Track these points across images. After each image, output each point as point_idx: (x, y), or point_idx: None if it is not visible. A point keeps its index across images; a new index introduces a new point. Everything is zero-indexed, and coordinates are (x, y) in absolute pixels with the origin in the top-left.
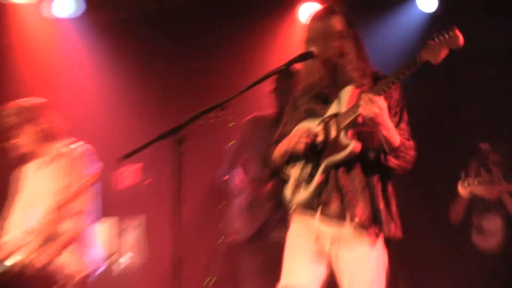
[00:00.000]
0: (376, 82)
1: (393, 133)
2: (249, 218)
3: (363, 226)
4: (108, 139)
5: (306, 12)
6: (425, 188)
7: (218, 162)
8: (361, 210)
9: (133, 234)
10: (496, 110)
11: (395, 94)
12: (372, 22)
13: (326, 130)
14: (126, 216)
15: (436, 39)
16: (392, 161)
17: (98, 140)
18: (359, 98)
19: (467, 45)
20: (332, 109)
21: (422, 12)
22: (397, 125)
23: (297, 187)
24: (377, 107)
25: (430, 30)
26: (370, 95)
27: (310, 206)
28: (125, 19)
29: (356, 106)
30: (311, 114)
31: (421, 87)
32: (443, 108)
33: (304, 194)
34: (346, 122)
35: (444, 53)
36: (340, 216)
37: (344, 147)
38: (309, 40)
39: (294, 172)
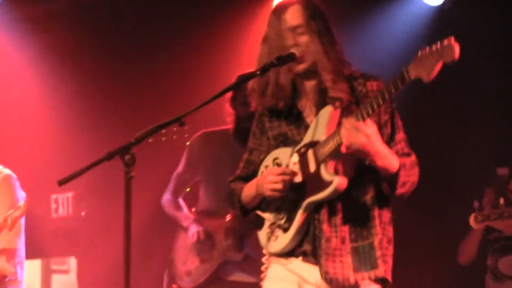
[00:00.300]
0: (350, 84)
1: (389, 160)
2: (202, 259)
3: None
4: (35, 162)
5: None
6: (431, 222)
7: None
8: (339, 268)
9: (64, 277)
10: None
11: None
12: (369, 16)
13: (303, 163)
14: (55, 256)
15: (426, 51)
16: (398, 191)
17: (21, 163)
18: (340, 121)
19: (480, 46)
20: (308, 135)
21: (426, 5)
22: (390, 138)
23: (273, 233)
24: (363, 135)
25: (436, 26)
26: (353, 121)
27: (290, 253)
28: (61, 11)
29: (336, 133)
30: (283, 141)
31: (422, 95)
32: (452, 122)
33: (282, 242)
34: (327, 154)
35: (437, 68)
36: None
37: (326, 183)
38: (264, 39)
39: (269, 214)
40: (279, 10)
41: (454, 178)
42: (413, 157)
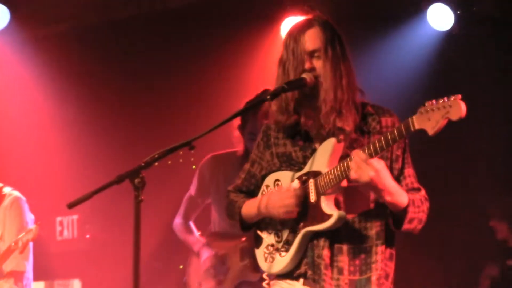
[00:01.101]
0: (364, 117)
1: (398, 195)
2: (218, 280)
3: None
4: (40, 184)
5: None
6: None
7: (174, 211)
8: None
9: None
10: None
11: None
12: (378, 40)
13: (304, 190)
14: (59, 278)
15: (432, 104)
16: (405, 227)
17: (26, 185)
18: (343, 154)
19: (487, 72)
20: (311, 163)
21: (435, 30)
22: (400, 173)
23: (270, 254)
24: (372, 169)
25: (444, 51)
26: (362, 155)
27: (289, 275)
28: (66, 32)
29: (339, 167)
30: (286, 161)
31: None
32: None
33: (278, 264)
34: (328, 187)
35: (442, 124)
36: None
37: (326, 216)
38: (280, 61)
39: (267, 235)
40: (297, 31)
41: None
42: (422, 192)
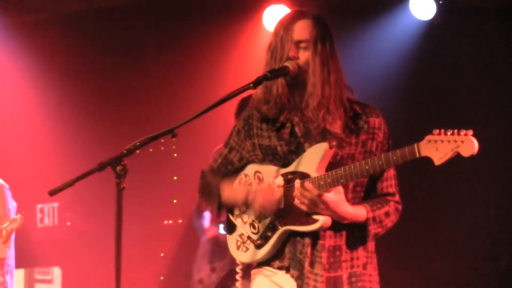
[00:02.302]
0: (351, 116)
1: (354, 216)
2: (212, 267)
3: None
4: (21, 171)
5: (272, 17)
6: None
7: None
8: None
9: (47, 287)
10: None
11: (379, 135)
12: (360, 29)
13: (288, 190)
14: (39, 266)
15: (441, 135)
16: (370, 239)
17: (7, 172)
18: (330, 162)
19: (468, 61)
20: (299, 163)
21: (417, 19)
22: (380, 175)
23: (243, 243)
24: (320, 203)
25: (426, 40)
26: (313, 192)
27: (268, 264)
28: (50, 20)
29: (331, 176)
30: (270, 155)
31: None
32: None
33: (252, 256)
34: None
35: (449, 156)
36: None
37: (310, 219)
38: (268, 48)
39: (242, 224)
40: (289, 20)
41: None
42: (395, 198)
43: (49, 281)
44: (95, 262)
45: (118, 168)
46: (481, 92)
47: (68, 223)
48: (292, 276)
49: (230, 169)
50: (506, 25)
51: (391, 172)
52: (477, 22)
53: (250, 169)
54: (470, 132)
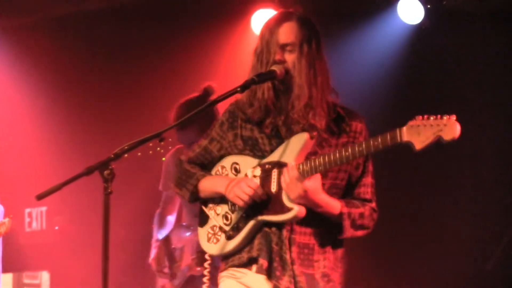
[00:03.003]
0: (335, 119)
1: (328, 208)
2: (172, 273)
3: None
4: (9, 175)
5: (260, 21)
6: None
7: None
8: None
9: None
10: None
11: (359, 140)
12: (348, 33)
13: (265, 179)
14: (27, 270)
15: (423, 120)
16: (345, 236)
17: None
18: (312, 151)
19: (456, 64)
20: (277, 153)
21: (405, 23)
22: (358, 181)
23: (214, 234)
24: (301, 189)
25: (414, 44)
26: (294, 174)
27: (241, 263)
28: (34, 24)
29: (302, 164)
30: (251, 146)
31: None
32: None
33: (222, 247)
34: None
35: (431, 140)
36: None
37: (285, 208)
38: (255, 51)
39: (215, 215)
40: (274, 23)
41: None
42: (371, 204)
43: (38, 285)
44: (83, 266)
45: (106, 172)
46: (469, 96)
47: (56, 227)
48: (261, 267)
49: (209, 158)
50: (494, 29)
51: (369, 180)
52: (465, 27)
53: (228, 160)
54: (453, 116)
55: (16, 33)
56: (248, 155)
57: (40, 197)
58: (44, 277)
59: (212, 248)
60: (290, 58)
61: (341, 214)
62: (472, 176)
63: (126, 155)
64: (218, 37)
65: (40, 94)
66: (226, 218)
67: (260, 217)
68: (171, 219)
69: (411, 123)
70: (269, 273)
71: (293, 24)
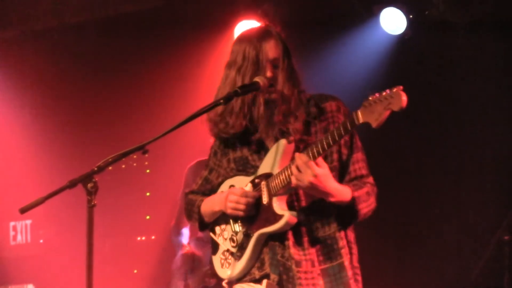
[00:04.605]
0: (307, 107)
1: (340, 196)
2: (186, 284)
3: None
4: None
5: None
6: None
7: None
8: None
9: None
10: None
11: (340, 118)
12: (332, 43)
13: (257, 193)
14: (13, 283)
15: (375, 97)
16: (360, 219)
17: None
18: (292, 157)
19: (438, 74)
20: (263, 166)
21: (388, 34)
22: (348, 158)
23: (226, 259)
24: (311, 174)
25: (397, 54)
26: (304, 159)
27: (252, 278)
28: (18, 36)
29: (288, 168)
30: (243, 165)
31: None
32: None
33: (235, 269)
34: (279, 188)
35: (384, 116)
36: None
37: (278, 217)
38: (233, 65)
39: (224, 241)
40: (257, 39)
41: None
42: (369, 180)
43: None
44: (68, 279)
45: (89, 185)
46: (451, 104)
47: (41, 240)
48: (273, 281)
49: (209, 187)
50: (476, 39)
51: (359, 155)
52: (447, 37)
53: (225, 184)
54: (400, 87)
55: (0, 46)
56: (242, 174)
57: (23, 210)
58: None
59: (225, 272)
60: (275, 72)
61: (353, 199)
62: (474, 177)
63: (110, 167)
64: (201, 48)
65: (24, 107)
66: (233, 241)
67: (258, 232)
68: (185, 231)
69: (364, 103)
70: (282, 286)
71: (275, 39)
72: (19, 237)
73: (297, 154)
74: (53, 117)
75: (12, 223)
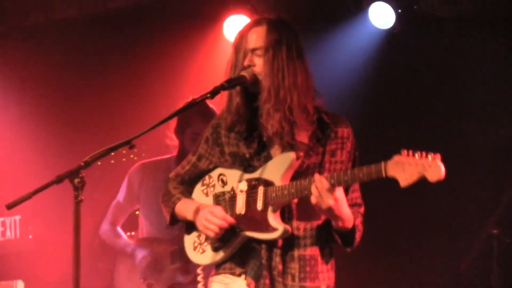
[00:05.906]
0: (319, 126)
1: (348, 222)
2: (149, 284)
3: None
4: None
5: (232, 27)
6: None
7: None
8: None
9: None
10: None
11: (347, 145)
12: (320, 37)
13: (251, 196)
14: (2, 279)
15: (409, 157)
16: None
17: None
18: (298, 170)
19: (426, 69)
20: (264, 170)
21: (376, 28)
22: (348, 187)
23: (201, 244)
24: (332, 198)
25: (385, 48)
26: (325, 183)
27: (231, 272)
28: (5, 32)
29: (297, 187)
30: (240, 162)
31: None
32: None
33: (209, 258)
34: (279, 202)
35: (415, 178)
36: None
37: (271, 228)
38: (229, 61)
39: None
40: (244, 30)
41: None
42: (362, 210)
43: None
44: (58, 275)
45: (76, 180)
46: (440, 100)
47: (30, 236)
48: (252, 281)
49: (197, 172)
50: (465, 34)
51: (357, 185)
52: (436, 31)
53: (216, 171)
54: (438, 156)
55: None
56: (236, 168)
57: (10, 206)
58: (19, 286)
59: (197, 258)
60: (259, 62)
61: (354, 227)
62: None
63: (99, 162)
64: (190, 43)
65: (11, 102)
66: None
67: (246, 233)
68: (121, 231)
69: (396, 158)
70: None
71: (262, 28)
72: (8, 233)
73: (318, 178)
74: (40, 112)
75: (0, 219)
